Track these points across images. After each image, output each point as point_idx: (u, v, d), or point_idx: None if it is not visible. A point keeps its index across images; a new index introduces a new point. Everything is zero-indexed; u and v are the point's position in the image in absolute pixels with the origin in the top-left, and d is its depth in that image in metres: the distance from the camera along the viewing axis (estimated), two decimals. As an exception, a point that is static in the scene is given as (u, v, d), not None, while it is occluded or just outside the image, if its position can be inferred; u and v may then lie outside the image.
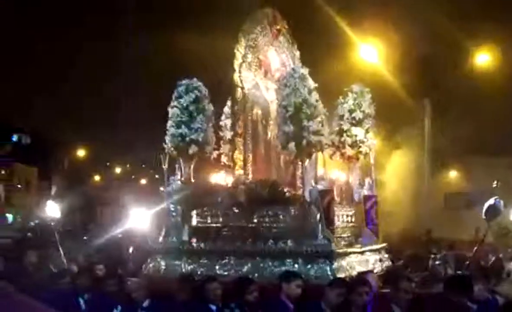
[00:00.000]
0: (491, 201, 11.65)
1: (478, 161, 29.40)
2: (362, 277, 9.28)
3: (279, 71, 12.70)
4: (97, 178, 56.90)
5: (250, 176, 12.19)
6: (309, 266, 10.07)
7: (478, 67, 25.39)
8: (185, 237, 11.59)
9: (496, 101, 24.22)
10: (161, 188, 12.32)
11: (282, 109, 10.97)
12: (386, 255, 12.13)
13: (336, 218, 11.14)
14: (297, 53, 13.05)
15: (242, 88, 12.31)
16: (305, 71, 11.11)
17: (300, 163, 11.13)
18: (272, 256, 10.50)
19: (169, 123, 11.98)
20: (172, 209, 11.70)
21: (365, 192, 11.96)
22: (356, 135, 12.09)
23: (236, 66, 12.29)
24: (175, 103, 12.01)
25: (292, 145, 10.71)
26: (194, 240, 11.54)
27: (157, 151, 12.21)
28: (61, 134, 47.49)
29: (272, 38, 12.71)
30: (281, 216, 10.90)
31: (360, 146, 12.13)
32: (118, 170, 60.48)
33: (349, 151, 12.18)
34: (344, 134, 12.16)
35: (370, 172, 12.29)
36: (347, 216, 11.79)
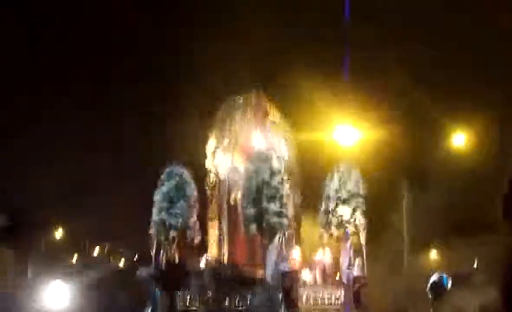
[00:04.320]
0: (434, 277, 10.26)
1: (458, 241, 29.25)
2: None
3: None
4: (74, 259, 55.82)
5: (225, 258, 12.23)
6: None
7: (456, 148, 25.60)
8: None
9: (474, 180, 24.33)
10: (137, 272, 12.33)
11: (245, 190, 11.05)
12: None
13: (312, 300, 11.11)
14: (288, 134, 13.06)
15: (216, 173, 12.40)
16: (270, 153, 11.21)
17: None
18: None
19: (154, 209, 12.07)
20: (154, 292, 11.63)
21: (355, 273, 11.77)
22: (341, 215, 11.96)
23: (208, 153, 12.41)
24: (159, 190, 12.11)
25: (253, 226, 10.71)
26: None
27: (138, 236, 12.32)
28: (38, 217, 46.78)
29: (256, 121, 12.77)
30: (248, 298, 11.10)
31: (346, 226, 11.96)
32: (95, 252, 59.56)
33: (335, 232, 12.03)
34: (330, 215, 12.05)
35: (361, 253, 12.07)
36: (328, 298, 11.64)
